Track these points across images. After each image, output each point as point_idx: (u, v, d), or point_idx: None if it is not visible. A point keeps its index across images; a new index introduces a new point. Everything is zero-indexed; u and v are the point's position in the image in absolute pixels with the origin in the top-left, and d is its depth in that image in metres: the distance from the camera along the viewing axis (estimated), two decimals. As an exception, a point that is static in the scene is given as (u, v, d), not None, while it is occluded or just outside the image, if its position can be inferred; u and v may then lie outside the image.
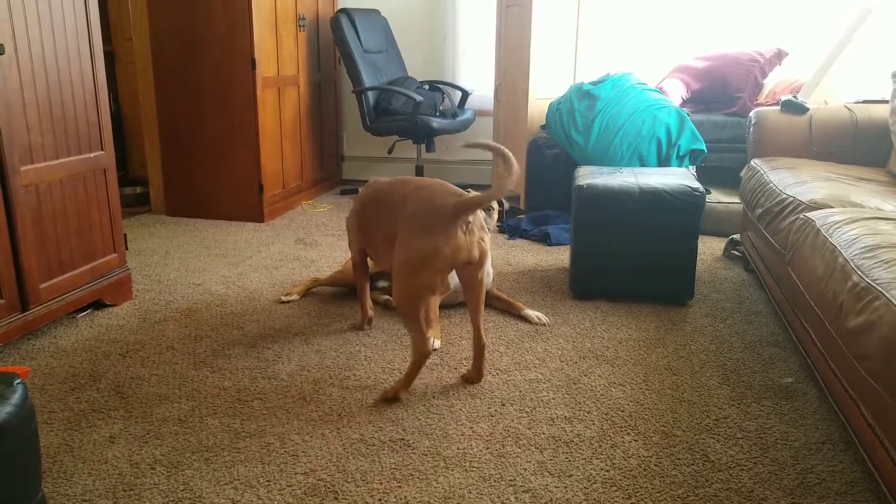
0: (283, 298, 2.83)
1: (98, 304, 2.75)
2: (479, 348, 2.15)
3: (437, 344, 2.43)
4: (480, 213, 2.01)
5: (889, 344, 1.44)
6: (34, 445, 1.27)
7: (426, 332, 2.00)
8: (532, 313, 2.68)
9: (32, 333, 2.50)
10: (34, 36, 2.31)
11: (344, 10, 4.55)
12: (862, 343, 1.56)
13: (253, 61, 3.92)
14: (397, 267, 1.98)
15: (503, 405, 2.04)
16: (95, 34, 2.58)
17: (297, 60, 4.46)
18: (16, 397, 1.22)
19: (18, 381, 1.24)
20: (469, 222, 1.95)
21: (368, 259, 2.53)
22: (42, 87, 2.36)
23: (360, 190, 2.47)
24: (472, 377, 2.19)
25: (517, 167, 1.84)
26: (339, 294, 2.94)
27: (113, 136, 2.71)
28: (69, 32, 2.46)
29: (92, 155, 2.61)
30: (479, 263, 2.02)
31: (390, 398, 2.05)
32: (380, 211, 2.20)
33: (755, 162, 3.09)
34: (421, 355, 2.03)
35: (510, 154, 1.85)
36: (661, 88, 4.23)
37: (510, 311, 2.74)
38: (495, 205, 2.75)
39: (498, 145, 1.87)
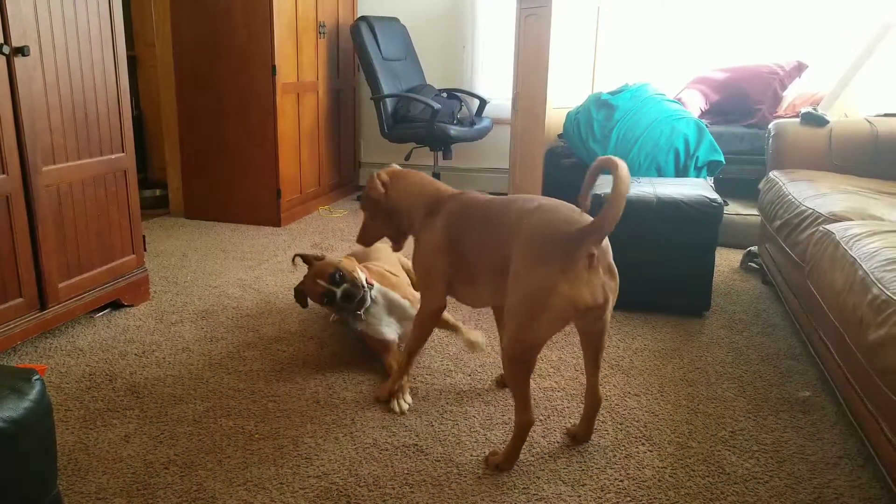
0: (404, 407, 2.04)
1: (116, 305, 2.77)
2: (594, 404, 1.87)
3: (409, 399, 2.08)
4: (609, 248, 1.68)
5: (910, 358, 1.42)
6: (50, 442, 1.28)
7: (530, 398, 1.73)
8: (471, 338, 2.24)
9: (50, 332, 2.53)
10: (59, 39, 2.34)
11: (364, 18, 4.58)
12: (882, 357, 1.54)
13: (273, 68, 3.95)
14: (508, 309, 1.65)
15: (517, 413, 2.03)
16: (119, 39, 2.61)
17: (317, 67, 4.49)
18: (34, 393, 1.22)
19: (36, 377, 1.25)
20: (594, 255, 1.59)
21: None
22: (65, 89, 2.39)
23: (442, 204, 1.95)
24: (582, 434, 1.90)
25: (626, 181, 1.54)
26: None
27: (133, 139, 2.74)
28: (93, 36, 2.50)
29: (113, 157, 2.64)
30: (602, 310, 1.67)
31: (493, 466, 1.77)
32: (484, 230, 1.79)
33: (774, 174, 3.07)
34: (526, 424, 1.73)
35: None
36: (679, 99, 4.21)
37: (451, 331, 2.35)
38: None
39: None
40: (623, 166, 1.53)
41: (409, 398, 2.07)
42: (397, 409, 2.02)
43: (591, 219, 1.61)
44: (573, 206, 1.71)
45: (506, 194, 1.78)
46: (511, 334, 1.64)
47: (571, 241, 1.57)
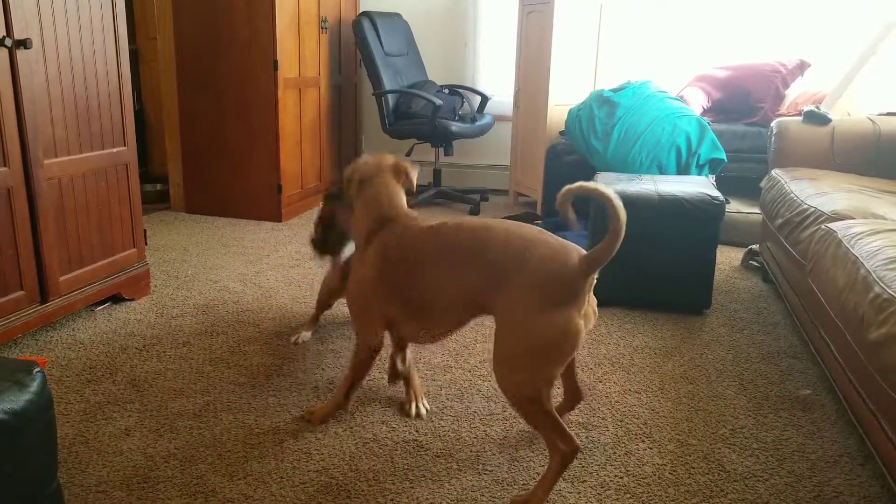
0: (422, 412, 1.99)
1: (116, 298, 2.77)
2: (574, 401, 1.91)
3: (427, 405, 2.03)
4: None
5: (911, 356, 1.42)
6: (51, 434, 1.28)
7: (563, 425, 1.57)
8: (418, 407, 2.02)
9: (51, 325, 2.53)
10: (61, 32, 2.34)
11: (366, 13, 4.57)
12: (883, 355, 1.54)
13: (275, 62, 3.95)
14: (514, 351, 1.56)
15: (517, 409, 2.03)
16: (121, 32, 2.61)
17: (319, 62, 4.48)
18: (35, 385, 1.22)
19: (37, 369, 1.25)
20: (592, 282, 1.57)
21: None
22: (67, 82, 2.39)
23: (373, 246, 1.81)
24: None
25: (623, 215, 1.47)
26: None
27: (135, 133, 2.74)
28: (95, 29, 2.49)
29: (114, 150, 2.64)
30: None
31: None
32: (454, 262, 1.65)
33: (776, 172, 3.07)
34: (571, 453, 1.57)
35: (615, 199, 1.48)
36: (681, 97, 4.21)
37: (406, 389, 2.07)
38: None
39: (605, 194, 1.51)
40: (618, 201, 1.47)
41: (426, 403, 2.02)
42: (413, 413, 1.98)
43: (571, 244, 1.60)
44: (541, 229, 1.66)
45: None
46: (523, 378, 1.54)
47: (578, 276, 1.52)
